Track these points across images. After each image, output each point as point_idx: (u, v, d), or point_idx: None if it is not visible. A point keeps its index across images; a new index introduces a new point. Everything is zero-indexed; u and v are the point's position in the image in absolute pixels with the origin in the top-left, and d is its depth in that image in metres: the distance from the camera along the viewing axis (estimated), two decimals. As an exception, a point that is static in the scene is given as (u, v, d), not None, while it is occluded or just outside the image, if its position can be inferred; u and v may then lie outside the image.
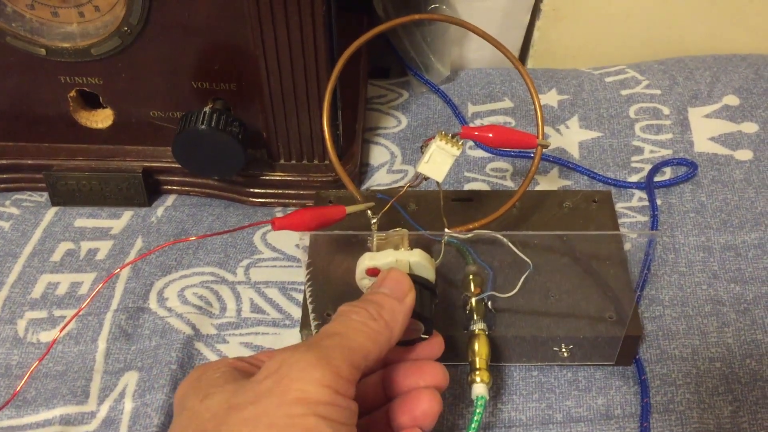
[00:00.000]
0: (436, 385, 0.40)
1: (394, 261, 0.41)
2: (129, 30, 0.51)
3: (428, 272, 0.42)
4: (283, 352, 0.35)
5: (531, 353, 0.49)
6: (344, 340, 0.36)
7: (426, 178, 0.46)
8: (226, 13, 0.50)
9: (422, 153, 0.46)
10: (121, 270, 0.55)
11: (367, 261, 0.42)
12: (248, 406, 0.33)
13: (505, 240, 0.42)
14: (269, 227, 0.59)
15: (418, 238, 0.43)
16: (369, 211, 0.46)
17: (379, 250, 0.42)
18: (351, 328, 0.37)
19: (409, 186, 0.46)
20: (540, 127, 0.49)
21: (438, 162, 0.45)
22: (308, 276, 0.45)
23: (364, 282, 0.43)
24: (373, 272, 0.42)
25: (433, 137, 0.45)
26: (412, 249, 0.42)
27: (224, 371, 0.36)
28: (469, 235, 0.46)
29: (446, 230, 0.46)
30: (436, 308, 0.42)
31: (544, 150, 0.52)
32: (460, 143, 0.45)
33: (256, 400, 0.33)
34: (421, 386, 0.40)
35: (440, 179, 0.45)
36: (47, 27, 0.53)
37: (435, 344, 0.42)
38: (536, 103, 0.50)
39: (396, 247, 0.42)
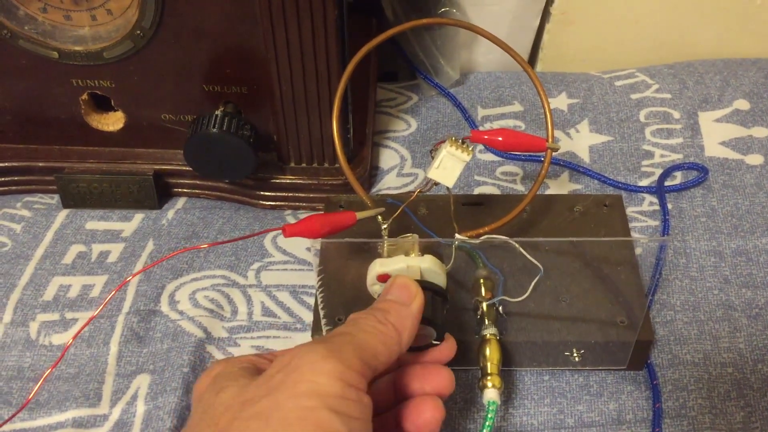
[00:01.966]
0: (440, 391, 0.41)
1: (405, 267, 0.41)
2: (141, 33, 0.51)
3: (439, 278, 0.42)
4: (294, 347, 0.35)
5: (542, 358, 0.49)
6: (353, 338, 0.36)
7: (436, 184, 0.46)
8: (238, 17, 0.50)
9: (432, 158, 0.46)
10: (132, 278, 0.55)
11: (378, 267, 0.42)
12: (260, 400, 0.33)
13: (516, 245, 0.42)
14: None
15: (428, 243, 0.43)
16: (379, 217, 0.46)
17: (389, 256, 0.43)
18: (359, 329, 0.37)
19: (420, 191, 0.46)
20: (549, 130, 0.49)
21: (448, 167, 0.45)
22: (320, 281, 0.45)
23: (375, 288, 0.43)
24: (383, 278, 0.42)
25: (443, 141, 0.46)
26: (422, 255, 0.42)
27: (242, 366, 0.36)
28: (480, 240, 0.46)
29: (457, 235, 0.46)
30: (447, 313, 0.42)
31: (554, 154, 0.52)
32: (470, 149, 0.45)
33: (268, 394, 0.33)
34: (426, 391, 0.40)
35: (451, 185, 0.45)
36: (59, 30, 0.53)
37: (446, 348, 0.42)
38: (545, 106, 0.50)
39: (407, 253, 0.42)
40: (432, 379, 0.41)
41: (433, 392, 0.40)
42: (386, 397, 0.42)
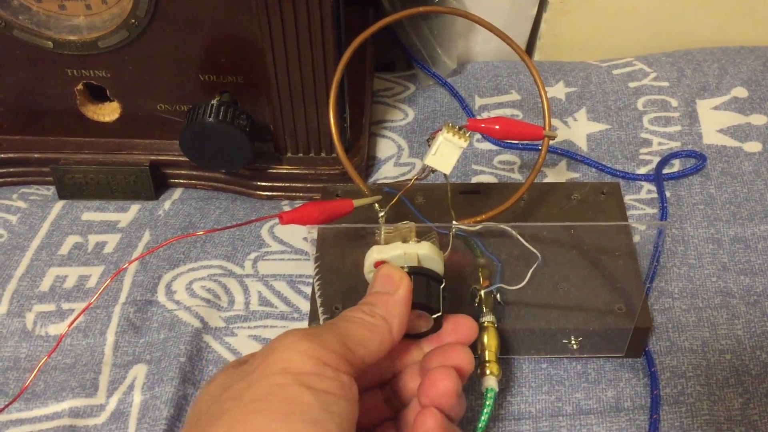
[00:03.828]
0: (458, 367, 0.40)
1: (402, 254, 0.41)
2: (136, 22, 0.51)
3: (437, 264, 0.42)
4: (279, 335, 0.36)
5: (540, 346, 0.49)
6: (337, 327, 0.37)
7: (433, 171, 0.45)
8: (233, 5, 0.50)
9: (429, 146, 0.46)
10: (128, 266, 0.55)
11: (375, 254, 0.42)
12: (237, 383, 0.34)
13: (513, 232, 0.42)
14: (276, 220, 0.59)
15: (425, 230, 0.43)
16: (376, 205, 0.46)
17: (387, 243, 0.42)
18: (345, 320, 0.38)
19: (417, 179, 0.46)
20: (547, 118, 0.49)
21: (445, 154, 0.45)
22: (317, 269, 0.45)
23: (372, 275, 0.43)
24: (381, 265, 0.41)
25: (440, 129, 0.45)
26: (420, 241, 0.42)
27: (239, 361, 0.37)
28: (478, 227, 0.46)
29: (454, 222, 0.45)
30: (445, 300, 0.42)
31: (551, 142, 0.51)
32: (467, 135, 0.45)
33: (245, 377, 0.34)
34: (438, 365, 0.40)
35: (448, 171, 0.45)
36: (54, 20, 0.52)
37: (464, 328, 0.43)
38: (542, 94, 0.49)
39: (404, 240, 0.42)
40: (450, 356, 0.41)
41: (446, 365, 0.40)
42: (378, 411, 0.42)
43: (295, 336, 0.34)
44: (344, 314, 0.39)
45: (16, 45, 0.53)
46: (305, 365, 0.33)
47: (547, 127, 0.49)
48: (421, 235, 0.42)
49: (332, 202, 0.44)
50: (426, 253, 0.41)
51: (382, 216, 0.45)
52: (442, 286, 0.42)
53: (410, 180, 0.46)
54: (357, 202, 0.45)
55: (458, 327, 0.43)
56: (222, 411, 0.33)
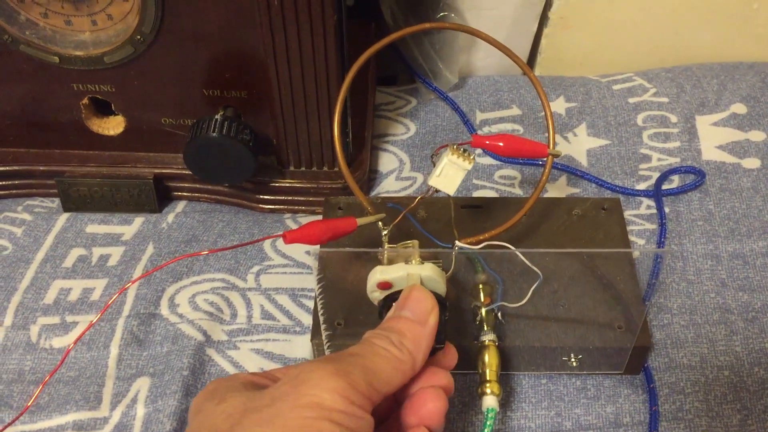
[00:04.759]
0: (441, 386, 0.40)
1: (405, 275, 0.41)
2: (142, 38, 0.52)
3: (439, 286, 0.42)
4: (303, 363, 0.35)
5: (540, 362, 0.49)
6: (365, 361, 0.36)
7: (437, 191, 0.46)
8: (237, 22, 0.51)
9: (433, 164, 0.46)
10: (133, 283, 0.55)
11: (378, 275, 0.42)
12: (263, 409, 0.33)
13: (518, 253, 0.43)
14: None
15: (430, 255, 0.43)
16: (380, 222, 0.46)
17: (390, 262, 0.43)
18: (372, 352, 0.37)
19: (422, 198, 0.47)
20: (551, 135, 0.50)
21: (450, 176, 0.45)
22: (320, 289, 0.45)
23: (375, 295, 0.43)
24: (384, 286, 0.42)
25: (443, 146, 0.46)
26: (423, 262, 0.42)
27: (242, 382, 0.37)
28: (480, 247, 0.46)
29: (457, 242, 0.46)
30: (446, 319, 0.43)
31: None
32: (471, 157, 0.45)
33: (272, 403, 0.33)
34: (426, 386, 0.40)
35: (451, 192, 0.45)
36: (60, 35, 0.53)
37: (449, 356, 0.43)
38: (547, 111, 0.49)
39: (407, 261, 0.42)
40: (430, 379, 0.41)
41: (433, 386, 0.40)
42: (386, 405, 0.42)
43: (326, 370, 0.34)
44: (372, 341, 0.38)
45: (23, 60, 0.54)
46: (336, 403, 0.33)
47: (551, 145, 0.49)
48: (425, 258, 0.42)
49: (336, 221, 0.44)
50: (429, 274, 0.41)
51: (385, 234, 0.45)
52: (446, 317, 0.42)
53: (412, 194, 0.47)
54: (361, 221, 0.45)
55: (445, 354, 0.42)
56: None
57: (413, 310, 0.39)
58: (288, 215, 0.61)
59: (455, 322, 0.48)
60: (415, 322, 0.39)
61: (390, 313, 0.40)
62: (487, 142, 0.47)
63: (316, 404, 0.33)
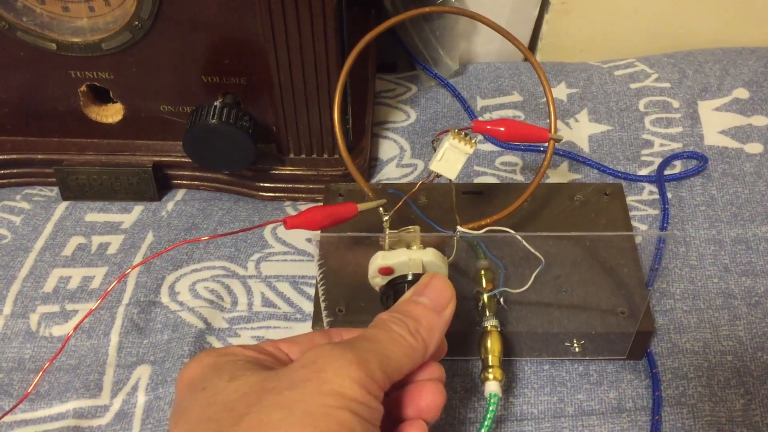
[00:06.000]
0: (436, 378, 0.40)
1: (407, 260, 0.41)
2: (139, 24, 0.51)
3: (441, 271, 0.42)
4: (321, 347, 0.35)
5: (542, 348, 0.49)
6: (382, 348, 0.36)
7: (438, 176, 0.46)
8: (236, 7, 0.50)
9: (434, 149, 0.46)
10: (132, 270, 0.55)
11: (379, 260, 0.42)
12: (283, 391, 0.33)
13: (519, 238, 0.42)
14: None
15: (428, 232, 0.43)
16: (381, 208, 0.46)
17: (391, 248, 0.42)
18: (389, 339, 0.37)
19: (423, 183, 0.46)
20: (552, 120, 0.49)
21: (451, 160, 0.45)
22: (321, 275, 0.45)
23: (376, 280, 0.43)
24: (385, 271, 0.41)
25: (445, 132, 0.45)
26: (424, 247, 0.42)
27: (247, 359, 0.36)
28: (482, 232, 0.46)
29: (459, 228, 0.45)
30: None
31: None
32: (473, 141, 0.45)
33: (292, 386, 0.33)
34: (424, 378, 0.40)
35: (453, 177, 0.45)
36: (58, 21, 0.53)
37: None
38: (549, 97, 0.49)
39: (408, 246, 0.42)
40: (425, 369, 0.40)
41: (432, 379, 0.40)
42: None
43: (346, 359, 0.34)
44: (390, 326, 0.37)
45: (20, 46, 0.53)
46: (356, 393, 0.33)
47: (553, 130, 0.49)
48: (426, 243, 0.42)
49: (337, 206, 0.44)
50: (431, 259, 0.41)
51: (386, 220, 0.45)
52: None
53: (412, 181, 0.46)
54: (362, 206, 0.45)
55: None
56: (267, 415, 0.32)
57: (432, 297, 0.39)
58: (288, 203, 0.61)
59: (457, 307, 0.47)
60: (433, 311, 0.39)
61: (407, 296, 0.40)
62: (488, 127, 0.47)
63: (338, 393, 0.33)
